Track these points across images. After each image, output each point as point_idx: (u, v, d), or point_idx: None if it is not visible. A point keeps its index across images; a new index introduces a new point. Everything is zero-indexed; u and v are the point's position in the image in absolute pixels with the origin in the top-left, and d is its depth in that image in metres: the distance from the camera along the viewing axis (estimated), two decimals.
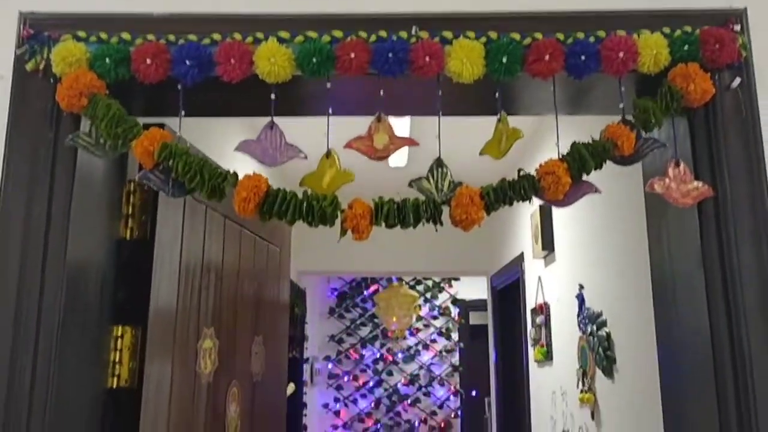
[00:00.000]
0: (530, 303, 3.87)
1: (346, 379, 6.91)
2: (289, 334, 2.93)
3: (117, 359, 1.47)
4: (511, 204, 1.25)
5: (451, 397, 6.96)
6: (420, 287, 7.01)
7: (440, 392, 6.94)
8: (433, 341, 7.03)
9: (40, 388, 1.30)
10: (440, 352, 6.99)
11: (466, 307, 7.07)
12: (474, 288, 6.85)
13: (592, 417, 2.70)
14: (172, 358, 1.62)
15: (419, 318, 6.98)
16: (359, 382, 6.91)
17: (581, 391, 2.78)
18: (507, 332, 4.94)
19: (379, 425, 6.83)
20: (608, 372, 2.51)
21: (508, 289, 4.75)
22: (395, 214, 1.22)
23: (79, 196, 1.41)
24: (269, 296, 2.46)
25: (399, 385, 6.92)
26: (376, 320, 7.00)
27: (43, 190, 1.37)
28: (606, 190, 2.59)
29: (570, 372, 3.02)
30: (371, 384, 6.92)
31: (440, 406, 6.92)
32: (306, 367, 5.72)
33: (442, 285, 7.10)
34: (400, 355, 6.96)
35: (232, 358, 2.03)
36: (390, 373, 6.95)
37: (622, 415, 2.42)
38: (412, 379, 6.94)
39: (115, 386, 1.45)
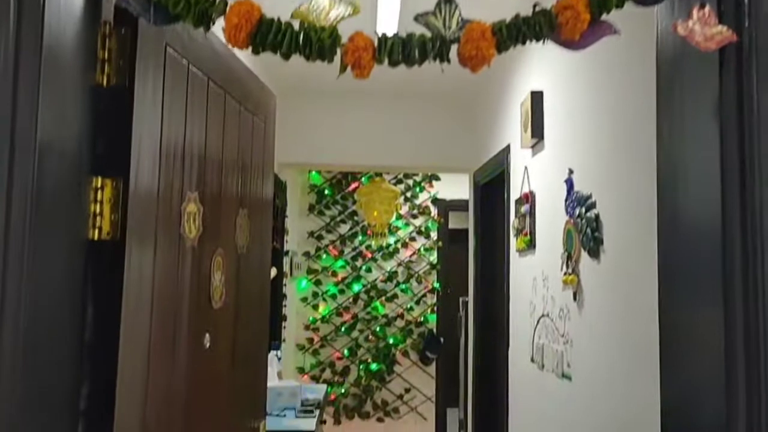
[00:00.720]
0: (514, 195, 3.84)
1: (324, 274, 6.94)
2: None
3: (97, 211, 1.39)
4: (524, 43, 1.16)
5: (428, 294, 7.05)
6: (401, 186, 6.96)
7: (418, 289, 7.02)
8: (412, 239, 7.05)
9: (16, 235, 1.23)
10: (419, 250, 7.03)
11: (446, 207, 7.07)
12: (455, 188, 6.84)
13: (574, 298, 2.71)
14: (155, 215, 1.54)
15: (399, 216, 6.96)
16: (338, 277, 6.95)
17: (565, 274, 2.78)
18: (488, 228, 4.95)
19: (356, 319, 6.93)
20: (594, 253, 2.50)
21: (491, 185, 4.71)
22: (399, 49, 1.13)
23: (50, 35, 1.29)
24: (254, 171, 2.38)
25: (377, 281, 6.98)
26: (356, 218, 6.97)
27: (5, 28, 1.25)
28: (604, 69, 2.50)
29: (553, 257, 3.02)
30: (350, 280, 6.97)
31: (417, 302, 7.02)
32: (286, 259, 5.71)
33: (422, 185, 7.05)
34: (378, 252, 6.99)
35: (216, 226, 1.97)
36: (369, 270, 7.00)
37: (606, 295, 2.43)
38: (390, 276, 6.99)
39: (96, 238, 1.38)
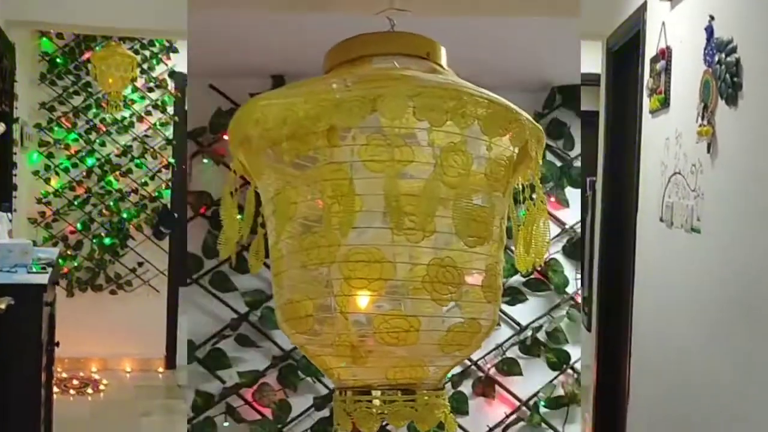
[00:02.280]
0: (650, 54, 3.57)
1: (57, 147, 6.76)
2: None
3: None
4: None
5: (163, 170, 7.07)
6: (138, 57, 6.54)
7: (152, 164, 7.05)
8: (148, 114, 6.97)
9: None
10: (154, 125, 7.00)
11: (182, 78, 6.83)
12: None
13: (708, 150, 2.64)
14: None
15: (135, 89, 6.88)
16: (71, 150, 6.80)
17: (699, 125, 2.70)
18: (620, 100, 4.51)
19: (89, 194, 6.85)
20: (732, 100, 2.42)
21: (624, 52, 4.26)
22: None
23: None
24: None
25: (111, 156, 6.91)
26: (90, 89, 6.78)
27: None
28: None
29: (688, 112, 2.90)
30: (83, 153, 6.86)
31: (152, 178, 7.05)
32: (16, 127, 5.56)
33: (159, 56, 6.92)
34: (113, 126, 6.91)
35: None
36: (103, 144, 6.89)
37: (742, 142, 2.36)
38: (125, 151, 6.94)
39: None
